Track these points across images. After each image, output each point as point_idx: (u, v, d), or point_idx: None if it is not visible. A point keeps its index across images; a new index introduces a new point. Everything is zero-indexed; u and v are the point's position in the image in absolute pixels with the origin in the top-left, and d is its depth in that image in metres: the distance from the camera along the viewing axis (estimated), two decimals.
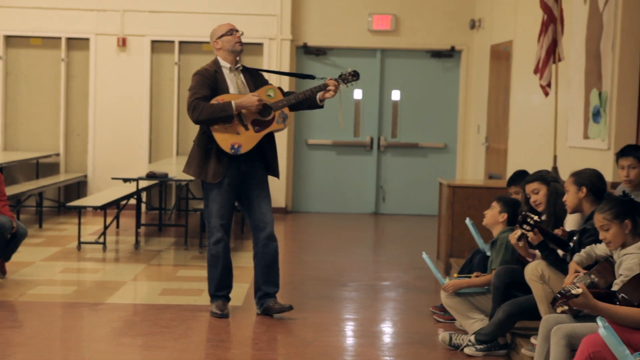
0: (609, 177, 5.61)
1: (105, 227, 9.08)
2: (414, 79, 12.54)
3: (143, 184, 9.74)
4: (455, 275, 6.03)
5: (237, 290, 6.68)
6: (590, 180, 4.94)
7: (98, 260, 8.47)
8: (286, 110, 6.20)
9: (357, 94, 12.42)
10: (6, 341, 5.51)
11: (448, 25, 12.33)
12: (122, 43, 12.02)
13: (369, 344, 5.74)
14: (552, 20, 7.59)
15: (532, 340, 5.13)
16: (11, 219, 7.11)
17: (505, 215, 5.91)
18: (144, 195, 11.39)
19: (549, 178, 5.50)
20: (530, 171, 6.00)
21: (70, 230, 10.18)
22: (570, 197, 4.98)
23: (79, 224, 9.00)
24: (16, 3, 11.93)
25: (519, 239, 5.03)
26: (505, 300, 5.32)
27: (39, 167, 11.98)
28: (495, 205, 6.00)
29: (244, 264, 8.01)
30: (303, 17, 12.32)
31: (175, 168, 9.79)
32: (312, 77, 6.62)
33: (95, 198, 9.72)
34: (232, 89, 6.18)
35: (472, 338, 5.43)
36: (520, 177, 6.13)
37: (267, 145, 6.24)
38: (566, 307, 3.85)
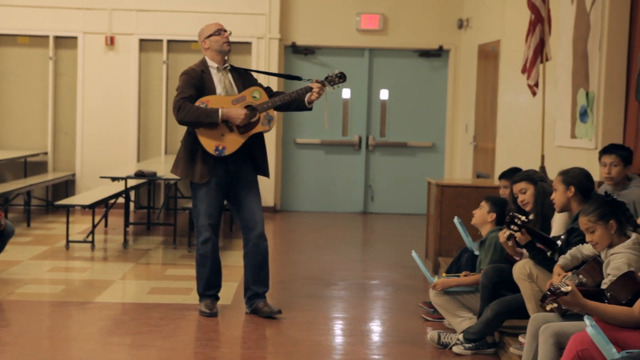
0: (596, 177, 5.63)
1: (94, 226, 9.06)
2: (402, 78, 12.55)
3: (131, 182, 9.72)
4: (444, 275, 6.04)
5: (225, 289, 6.67)
6: (578, 180, 4.96)
7: (86, 259, 8.44)
8: (272, 112, 6.19)
9: (346, 93, 12.43)
10: None
11: (436, 25, 12.35)
12: (110, 42, 11.99)
13: (357, 343, 5.74)
14: (540, 20, 7.61)
15: (520, 338, 5.15)
16: None
17: (494, 215, 5.93)
18: (132, 194, 11.36)
19: (536, 178, 5.52)
20: (521, 168, 6.02)
21: (58, 229, 10.15)
22: (559, 195, 4.99)
23: (67, 222, 8.97)
24: (3, 1, 11.87)
25: (508, 239, 5.05)
26: (493, 299, 5.33)
27: (27, 166, 11.93)
28: (484, 205, 6.01)
29: (232, 263, 8.00)
30: (291, 17, 12.32)
31: (163, 167, 9.77)
32: (298, 78, 6.61)
33: (83, 197, 9.69)
34: (219, 89, 6.17)
35: (461, 337, 5.44)
36: (514, 173, 6.16)
37: (255, 145, 6.23)
38: (555, 305, 3.86)
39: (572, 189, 4.94)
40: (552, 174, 5.52)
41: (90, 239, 8.97)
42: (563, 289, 3.81)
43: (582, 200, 4.89)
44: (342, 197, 12.59)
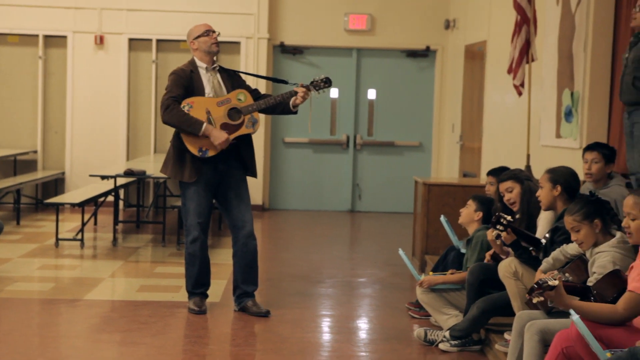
0: (580, 176, 5.65)
1: (83, 224, 9.03)
2: (389, 78, 12.56)
3: (121, 181, 9.70)
4: (431, 273, 6.05)
5: (214, 287, 6.66)
6: (565, 179, 4.97)
7: (76, 256, 8.42)
8: (256, 115, 6.19)
9: (334, 92, 12.42)
10: None
11: (423, 26, 12.36)
12: (100, 41, 11.95)
13: (345, 340, 5.75)
14: (525, 21, 7.63)
15: (506, 335, 5.16)
16: None
17: (480, 214, 5.94)
18: (121, 193, 11.33)
19: (522, 177, 5.54)
20: (508, 167, 6.04)
21: (47, 227, 10.11)
22: (545, 194, 5.01)
23: (57, 220, 8.94)
24: None
25: (496, 238, 5.07)
26: (479, 297, 5.35)
27: (17, 164, 11.88)
28: (470, 204, 6.03)
29: (221, 261, 8.00)
30: (280, 17, 12.31)
31: (152, 165, 9.74)
32: (284, 81, 6.62)
33: (73, 195, 9.66)
34: (208, 89, 6.17)
35: (447, 334, 5.45)
36: (501, 172, 6.19)
37: (243, 146, 6.23)
38: (542, 298, 3.88)
39: (559, 188, 4.96)
40: (538, 173, 5.54)
41: (79, 237, 8.94)
42: (550, 283, 3.83)
43: (568, 200, 4.91)
44: (330, 195, 12.60)
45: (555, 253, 4.60)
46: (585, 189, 5.54)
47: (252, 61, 12.01)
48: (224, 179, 6.21)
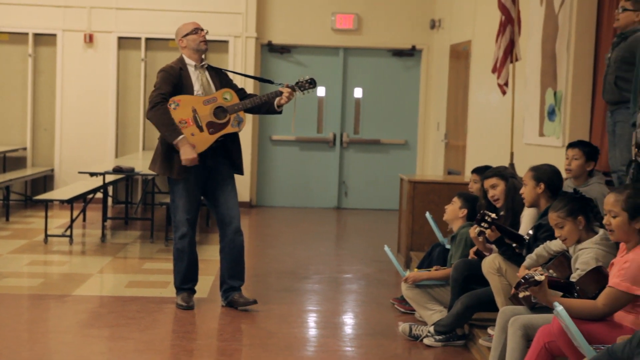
0: (563, 174, 5.67)
1: (72, 221, 8.99)
2: (375, 77, 12.56)
3: (109, 178, 9.67)
4: (416, 269, 6.05)
5: (202, 283, 6.65)
6: (548, 177, 4.99)
7: (65, 252, 8.38)
8: (242, 114, 6.18)
9: (321, 91, 12.42)
10: None
11: (409, 25, 12.37)
12: (89, 39, 11.90)
13: (331, 335, 5.74)
14: (510, 22, 7.64)
15: (490, 331, 5.17)
16: None
17: (465, 211, 5.95)
18: (110, 189, 11.29)
19: (507, 174, 5.55)
20: (492, 166, 6.05)
21: (37, 223, 10.07)
22: (528, 191, 5.02)
23: (46, 217, 8.91)
24: None
25: (478, 235, 5.08)
26: (463, 293, 5.35)
27: (6, 161, 11.82)
28: (455, 201, 6.03)
29: (209, 257, 7.98)
30: (268, 16, 12.29)
31: (141, 162, 9.71)
32: (270, 81, 6.61)
33: (62, 192, 9.62)
34: (196, 87, 6.15)
35: (432, 329, 5.46)
36: (485, 170, 6.20)
37: (230, 143, 6.23)
38: (528, 293, 3.89)
39: (542, 185, 4.97)
40: (521, 171, 5.55)
41: (68, 233, 8.90)
42: (537, 278, 3.85)
43: (551, 197, 4.92)
44: (316, 192, 12.59)
45: (539, 249, 4.61)
46: (565, 186, 5.56)
47: (240, 60, 11.99)
48: (211, 176, 6.20)
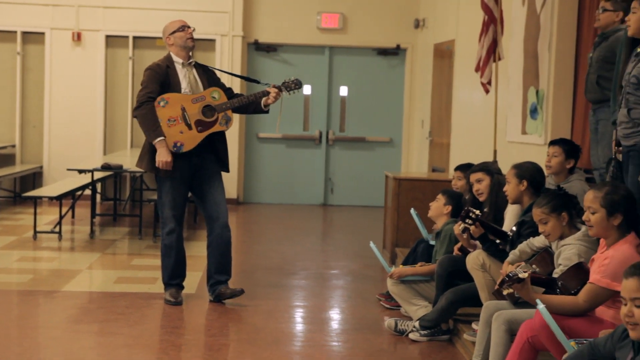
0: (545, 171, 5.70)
1: (61, 217, 8.96)
2: (361, 75, 12.56)
3: (98, 175, 9.63)
4: (401, 266, 6.06)
5: (190, 279, 6.64)
6: (531, 174, 5.01)
7: (54, 249, 8.35)
8: (229, 113, 6.18)
9: (307, 89, 12.41)
10: None
11: (394, 25, 12.38)
12: (77, 37, 11.85)
13: (318, 330, 5.75)
14: (493, 21, 7.66)
15: (474, 326, 5.18)
16: None
17: (449, 208, 5.96)
18: (99, 186, 11.25)
19: (493, 170, 5.56)
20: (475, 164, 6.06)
21: (26, 220, 10.02)
22: (511, 188, 5.04)
23: (35, 213, 8.86)
24: None
25: (463, 231, 5.09)
26: (448, 288, 5.37)
27: None
28: (440, 198, 6.04)
29: (197, 253, 7.96)
30: (254, 15, 12.27)
31: (129, 160, 9.68)
32: (257, 81, 6.62)
33: (50, 188, 9.58)
34: (184, 84, 6.14)
35: (417, 324, 5.47)
36: (468, 168, 6.22)
37: (218, 141, 6.22)
38: (511, 290, 3.91)
39: (525, 183, 4.99)
40: (504, 168, 5.57)
41: (57, 229, 8.86)
42: (520, 275, 3.86)
43: (534, 194, 4.94)
44: (303, 189, 12.59)
45: (522, 246, 4.62)
46: (547, 183, 5.58)
47: (227, 58, 11.97)
48: (198, 172, 6.19)
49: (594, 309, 3.87)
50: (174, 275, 6.26)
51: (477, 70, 7.88)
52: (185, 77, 6.16)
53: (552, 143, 5.69)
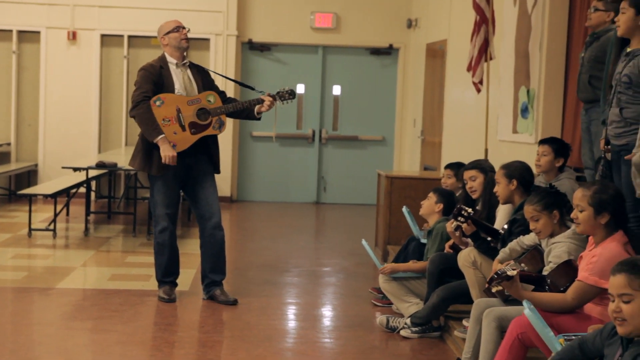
0: (533, 169, 5.70)
1: (56, 215, 8.93)
2: (354, 74, 12.56)
3: (93, 173, 9.60)
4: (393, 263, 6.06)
5: (183, 276, 6.63)
6: (520, 173, 5.01)
7: (48, 246, 8.33)
8: (223, 117, 6.17)
9: (300, 88, 12.40)
10: None
11: (386, 24, 12.37)
12: (73, 36, 11.82)
13: (310, 327, 5.74)
14: (484, 21, 7.66)
15: (464, 322, 5.19)
16: None
17: (441, 206, 5.96)
18: (93, 184, 11.22)
19: (487, 168, 5.57)
20: (465, 163, 6.06)
21: (21, 217, 9.99)
22: (502, 189, 5.04)
23: (30, 211, 8.84)
24: None
25: (455, 229, 5.09)
26: (439, 285, 5.37)
27: None
28: (431, 196, 6.04)
29: (190, 251, 7.95)
30: (248, 14, 12.25)
31: (124, 158, 9.66)
32: (252, 88, 6.61)
33: (45, 186, 9.55)
34: (177, 85, 6.13)
35: (408, 321, 5.47)
36: (458, 167, 6.22)
37: (211, 141, 6.22)
38: (500, 288, 3.91)
39: (515, 182, 4.99)
40: (495, 166, 5.57)
41: (52, 227, 8.84)
42: (509, 273, 3.87)
43: (524, 192, 4.94)
44: (296, 188, 12.58)
45: (512, 244, 4.63)
46: (537, 181, 5.59)
47: (221, 57, 11.95)
48: (191, 172, 6.18)
49: (582, 305, 3.88)
50: (167, 272, 6.25)
51: (468, 69, 7.88)
52: (179, 77, 6.15)
53: (542, 142, 5.69)
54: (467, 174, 5.60)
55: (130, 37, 11.95)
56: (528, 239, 4.55)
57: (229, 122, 11.72)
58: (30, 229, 8.76)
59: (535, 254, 4.39)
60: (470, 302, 4.82)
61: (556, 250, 4.17)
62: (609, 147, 4.76)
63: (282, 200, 12.52)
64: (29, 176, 11.91)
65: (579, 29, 6.95)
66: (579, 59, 5.91)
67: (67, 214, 10.21)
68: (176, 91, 6.10)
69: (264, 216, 11.39)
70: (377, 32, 12.38)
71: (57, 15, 11.78)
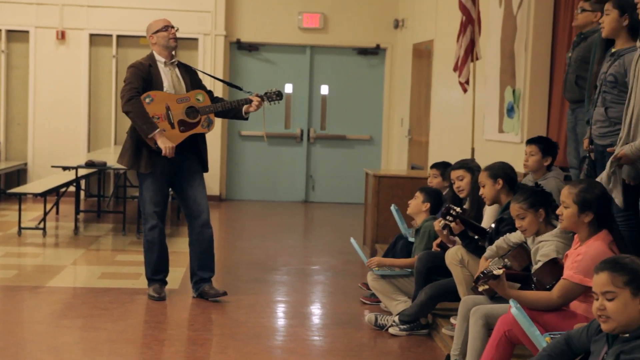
0: (521, 169, 5.72)
1: (45, 213, 8.90)
2: (341, 74, 12.57)
3: (82, 172, 9.58)
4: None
5: (173, 274, 6.62)
6: (504, 172, 5.03)
7: (38, 245, 8.30)
8: (212, 116, 6.17)
9: (288, 88, 12.40)
10: None
11: (373, 25, 12.39)
12: (61, 36, 11.78)
13: (299, 325, 5.75)
14: (470, 22, 7.68)
15: (452, 320, 5.20)
16: None
17: (428, 205, 5.97)
18: (83, 183, 11.19)
19: (474, 167, 5.58)
20: (451, 162, 6.07)
21: (10, 216, 9.95)
22: (488, 190, 5.03)
23: (20, 210, 8.81)
24: None
25: (443, 228, 5.10)
26: (427, 284, 5.38)
27: None
28: (418, 195, 6.05)
29: (179, 249, 7.94)
30: (236, 14, 12.24)
31: (113, 157, 9.61)
32: (239, 88, 6.61)
33: (35, 185, 9.52)
34: (166, 83, 6.12)
35: (396, 318, 5.48)
36: (444, 166, 6.23)
37: (200, 141, 6.21)
38: (487, 287, 3.92)
39: (500, 181, 5.00)
40: (482, 165, 5.58)
41: (42, 225, 8.81)
42: (495, 272, 3.88)
43: (510, 191, 4.96)
44: (284, 186, 12.58)
45: (499, 241, 4.64)
46: (527, 180, 5.61)
47: (210, 57, 11.93)
48: (179, 170, 6.17)
49: (567, 303, 3.89)
50: (157, 270, 6.24)
51: (455, 69, 7.90)
52: (167, 76, 6.14)
53: (529, 142, 5.70)
54: (455, 174, 5.61)
55: (119, 36, 11.92)
56: (514, 237, 4.57)
57: (218, 122, 11.68)
58: (20, 228, 8.72)
59: (520, 251, 4.40)
60: (458, 299, 4.83)
61: (544, 249, 4.19)
62: (592, 146, 4.78)
63: (271, 199, 12.52)
64: (19, 175, 11.87)
65: (563, 29, 6.98)
66: (564, 59, 5.93)
67: (57, 212, 10.17)
68: (165, 89, 6.09)
69: (253, 215, 11.39)
70: (364, 33, 12.40)
71: (46, 15, 11.74)
